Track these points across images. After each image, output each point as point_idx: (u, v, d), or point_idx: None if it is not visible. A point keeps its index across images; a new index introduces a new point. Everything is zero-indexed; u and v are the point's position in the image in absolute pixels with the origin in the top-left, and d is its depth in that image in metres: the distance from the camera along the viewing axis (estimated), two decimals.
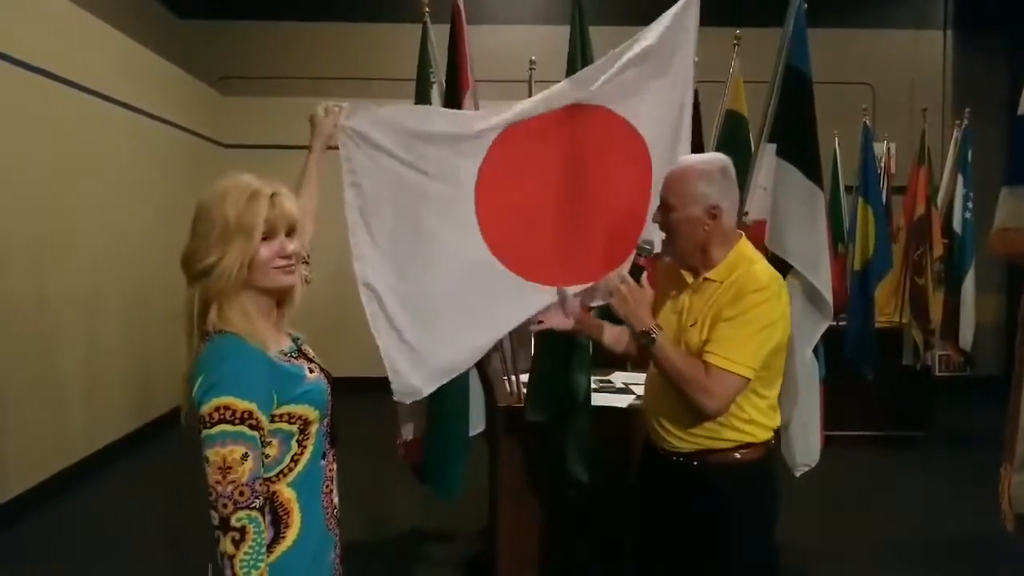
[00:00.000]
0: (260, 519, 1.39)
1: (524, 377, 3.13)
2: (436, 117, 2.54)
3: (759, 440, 2.04)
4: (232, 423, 1.38)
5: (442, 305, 2.48)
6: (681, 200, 2.02)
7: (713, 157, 2.11)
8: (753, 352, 1.93)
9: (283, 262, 1.52)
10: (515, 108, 2.51)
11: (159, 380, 5.98)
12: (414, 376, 2.47)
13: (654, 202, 2.53)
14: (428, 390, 2.54)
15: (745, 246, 2.09)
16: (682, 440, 2.05)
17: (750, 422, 2.02)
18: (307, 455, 1.53)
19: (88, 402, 5.19)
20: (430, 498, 3.28)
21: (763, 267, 2.05)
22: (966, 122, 6.13)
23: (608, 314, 2.63)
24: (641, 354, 2.25)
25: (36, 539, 4.17)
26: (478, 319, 2.54)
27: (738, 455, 2.02)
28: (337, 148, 2.35)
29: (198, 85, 7.27)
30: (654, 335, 1.97)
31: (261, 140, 7.30)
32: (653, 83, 2.56)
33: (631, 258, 2.56)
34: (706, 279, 2.05)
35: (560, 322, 2.40)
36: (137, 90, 5.94)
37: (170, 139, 6.63)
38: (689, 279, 2.09)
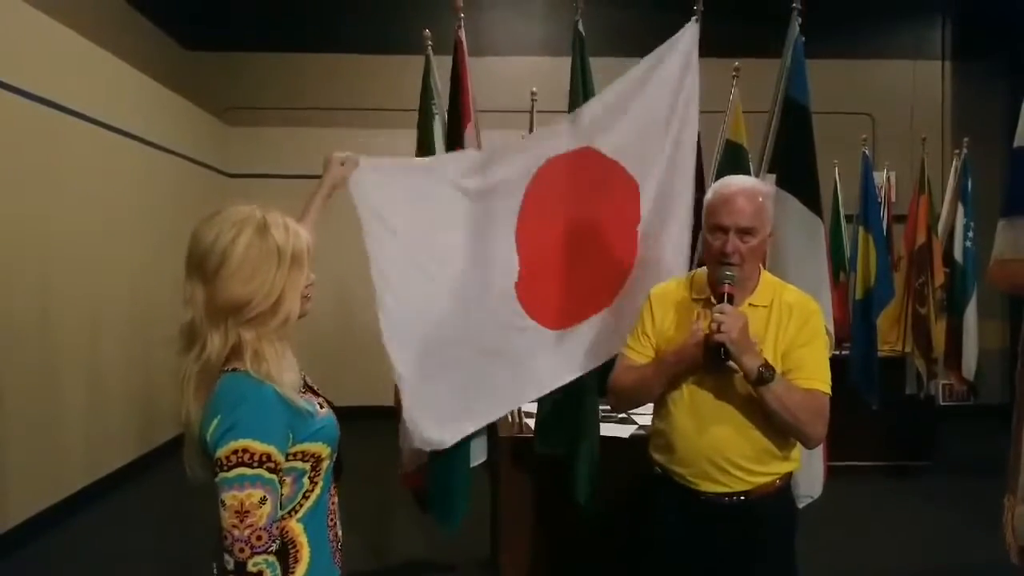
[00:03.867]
0: (276, 563, 1.37)
1: (526, 408, 3.13)
2: (448, 171, 2.56)
3: (795, 468, 2.08)
4: (251, 466, 1.35)
5: (462, 351, 2.52)
6: (762, 223, 1.98)
7: (760, 181, 2.15)
8: (827, 369, 1.97)
9: (307, 291, 1.52)
10: (528, 149, 2.57)
11: (162, 408, 5.96)
12: (434, 431, 2.50)
13: (643, 236, 2.59)
14: (451, 442, 2.59)
15: (764, 271, 2.10)
16: (747, 476, 1.97)
17: (797, 448, 2.04)
18: (317, 491, 1.51)
19: (90, 430, 5.17)
20: (432, 527, 3.26)
21: (792, 287, 2.09)
22: (965, 151, 6.17)
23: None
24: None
25: (37, 569, 4.13)
26: (502, 363, 2.58)
27: (778, 482, 2.03)
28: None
29: (204, 115, 7.34)
30: (774, 369, 1.87)
31: (266, 169, 7.37)
32: (648, 120, 2.61)
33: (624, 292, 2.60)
34: (751, 305, 2.01)
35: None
36: (143, 120, 5.99)
37: (175, 169, 6.68)
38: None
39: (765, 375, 1.85)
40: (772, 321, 1.98)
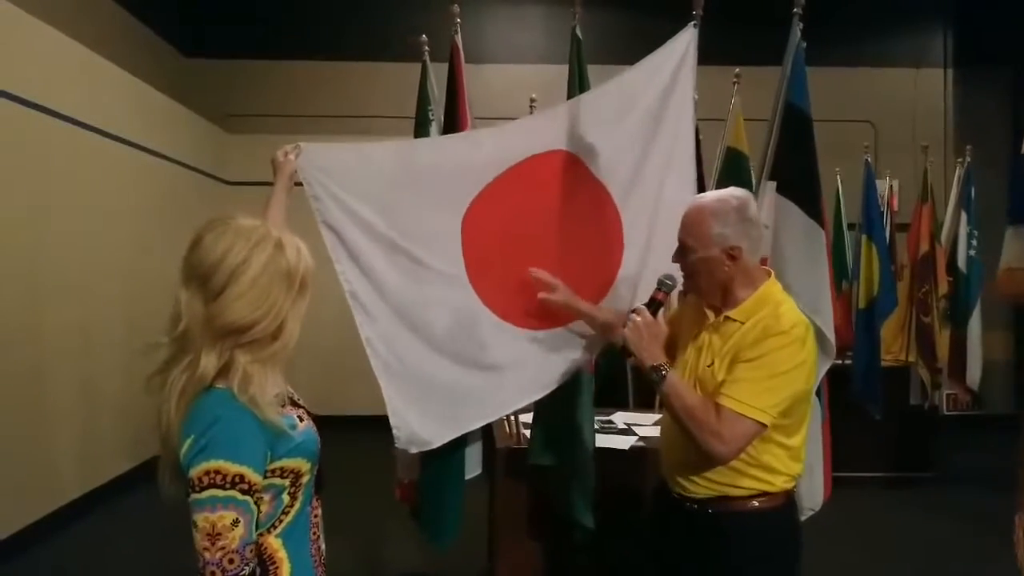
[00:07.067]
0: None
1: (524, 418, 3.08)
2: (407, 157, 2.49)
3: (778, 489, 1.95)
4: (223, 487, 1.31)
5: (435, 353, 2.44)
6: (698, 241, 1.96)
7: (728, 195, 2.00)
8: (769, 397, 1.85)
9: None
10: (496, 146, 2.50)
11: (155, 419, 5.90)
12: (420, 426, 2.42)
13: (627, 250, 2.54)
14: (439, 442, 2.49)
15: (773, 286, 2.01)
16: (697, 485, 1.96)
17: (768, 470, 1.93)
18: (297, 505, 1.47)
19: (82, 441, 5.12)
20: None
21: (790, 309, 1.96)
22: (968, 159, 6.13)
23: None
24: None
25: None
26: (476, 369, 2.48)
27: (756, 503, 1.94)
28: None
29: (203, 123, 7.33)
30: (664, 371, 1.90)
31: (265, 177, 7.30)
32: (637, 128, 2.54)
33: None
34: (727, 318, 1.98)
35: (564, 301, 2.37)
36: (142, 128, 5.98)
37: (175, 176, 6.67)
38: (711, 317, 2.02)
39: (653, 377, 1.92)
40: (737, 336, 1.94)
